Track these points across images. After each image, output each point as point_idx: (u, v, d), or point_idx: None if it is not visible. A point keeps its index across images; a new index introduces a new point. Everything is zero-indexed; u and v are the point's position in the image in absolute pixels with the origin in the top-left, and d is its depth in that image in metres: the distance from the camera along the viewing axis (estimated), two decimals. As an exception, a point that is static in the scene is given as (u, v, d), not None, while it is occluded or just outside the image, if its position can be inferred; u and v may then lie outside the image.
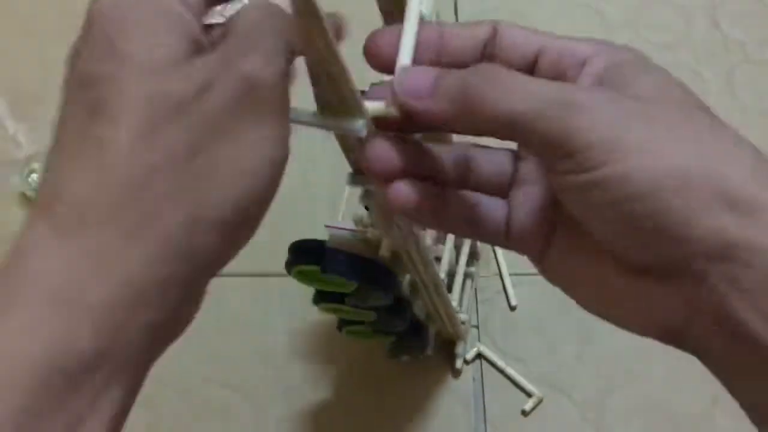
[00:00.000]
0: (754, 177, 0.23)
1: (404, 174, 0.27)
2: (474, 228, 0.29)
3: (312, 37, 0.23)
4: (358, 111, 0.26)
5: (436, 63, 0.28)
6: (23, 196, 0.64)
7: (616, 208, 0.24)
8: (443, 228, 0.29)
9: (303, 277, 0.43)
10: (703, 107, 0.26)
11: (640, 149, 0.23)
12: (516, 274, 0.59)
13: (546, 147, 0.24)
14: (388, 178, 0.27)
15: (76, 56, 0.23)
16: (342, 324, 0.49)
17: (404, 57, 0.27)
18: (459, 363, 0.55)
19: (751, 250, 0.22)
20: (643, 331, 0.27)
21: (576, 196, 0.25)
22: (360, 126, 0.26)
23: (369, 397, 0.56)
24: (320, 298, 0.45)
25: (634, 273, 0.25)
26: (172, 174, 0.21)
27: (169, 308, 0.22)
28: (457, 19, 0.70)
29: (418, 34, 0.28)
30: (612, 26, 0.70)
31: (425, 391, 0.56)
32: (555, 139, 0.24)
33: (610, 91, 0.25)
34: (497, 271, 0.60)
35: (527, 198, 0.29)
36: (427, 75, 0.26)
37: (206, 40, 0.24)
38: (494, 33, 0.28)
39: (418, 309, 0.47)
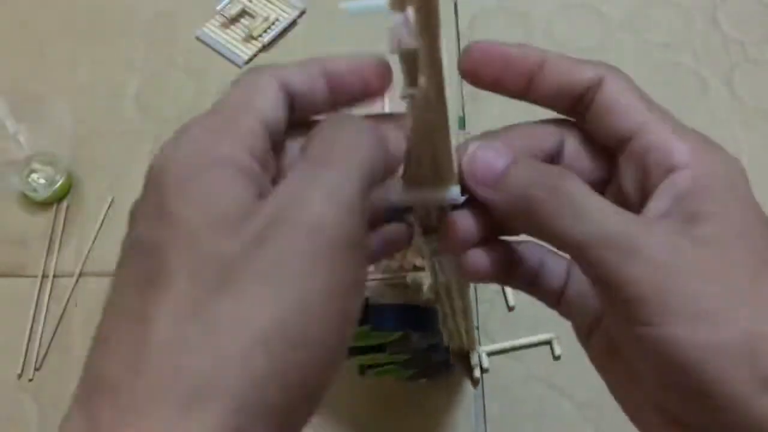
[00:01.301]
0: None
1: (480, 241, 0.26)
2: (532, 289, 0.29)
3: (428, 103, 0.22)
4: (453, 178, 0.25)
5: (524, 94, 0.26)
6: (23, 196, 0.64)
7: (663, 369, 0.22)
8: (505, 283, 0.28)
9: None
10: None
11: (694, 316, 0.21)
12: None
13: (603, 287, 0.23)
14: (466, 247, 0.26)
15: (133, 215, 0.22)
16: (366, 369, 0.47)
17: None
18: (477, 372, 0.55)
19: None
20: None
21: (625, 338, 0.23)
22: (456, 193, 0.25)
23: (369, 397, 0.56)
24: (359, 351, 0.42)
25: (670, 418, 0.23)
26: (216, 375, 0.19)
27: None
28: (456, 18, 0.70)
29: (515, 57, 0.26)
30: (612, 26, 0.70)
31: (425, 392, 0.56)
32: (612, 283, 0.22)
33: (677, 228, 0.23)
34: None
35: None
36: (497, 160, 0.25)
37: (269, 187, 0.22)
38: (594, 87, 0.25)
39: (445, 336, 0.47)
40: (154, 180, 0.21)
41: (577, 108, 0.26)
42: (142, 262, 0.20)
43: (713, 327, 0.21)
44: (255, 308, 0.19)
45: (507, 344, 0.57)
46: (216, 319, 0.19)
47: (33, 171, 0.64)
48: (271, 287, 0.19)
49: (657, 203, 0.24)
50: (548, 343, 0.56)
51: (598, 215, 0.23)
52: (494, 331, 0.58)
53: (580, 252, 0.23)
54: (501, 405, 0.55)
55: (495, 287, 0.59)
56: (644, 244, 0.22)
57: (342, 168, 0.21)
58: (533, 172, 0.24)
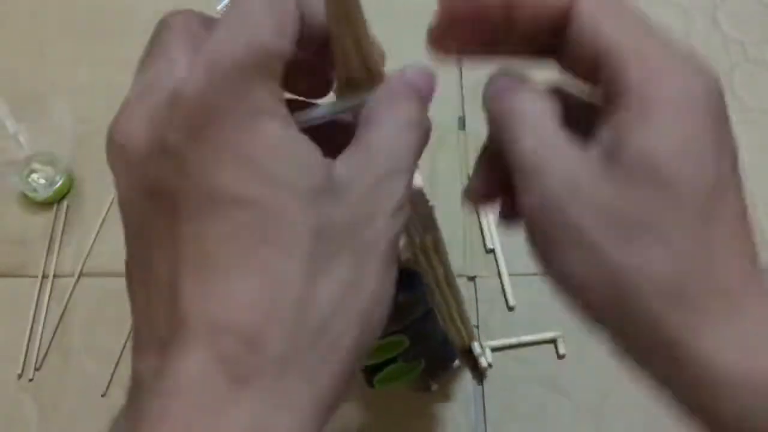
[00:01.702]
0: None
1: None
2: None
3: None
4: (381, 74, 0.25)
5: None
6: (23, 196, 0.64)
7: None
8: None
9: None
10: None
11: (579, 245, 0.23)
12: (515, 275, 0.59)
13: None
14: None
15: (178, 156, 0.20)
16: (371, 373, 0.45)
17: None
18: (484, 361, 0.55)
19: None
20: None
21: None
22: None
23: (370, 398, 0.56)
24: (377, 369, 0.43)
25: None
26: (345, 308, 0.21)
27: (329, 418, 0.21)
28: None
29: None
30: (612, 26, 0.70)
31: (425, 392, 0.56)
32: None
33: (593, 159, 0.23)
34: (497, 271, 0.60)
35: None
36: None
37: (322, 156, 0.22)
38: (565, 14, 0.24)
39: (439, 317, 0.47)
40: (219, 128, 0.20)
41: (555, 44, 0.24)
42: (244, 214, 0.20)
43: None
44: (363, 269, 0.21)
45: (513, 340, 0.57)
46: (343, 280, 0.21)
47: (33, 171, 0.64)
48: (377, 254, 0.22)
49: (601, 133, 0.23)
50: (553, 341, 0.57)
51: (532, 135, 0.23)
52: (494, 331, 0.58)
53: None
54: (501, 405, 0.55)
55: (495, 287, 0.59)
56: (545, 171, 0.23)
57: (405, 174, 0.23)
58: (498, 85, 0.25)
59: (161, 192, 0.20)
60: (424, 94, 0.24)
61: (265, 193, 0.20)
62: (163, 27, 0.23)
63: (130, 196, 0.21)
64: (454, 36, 0.24)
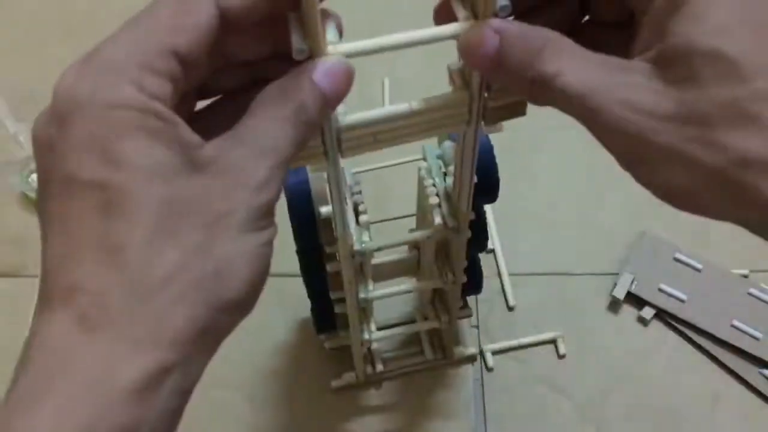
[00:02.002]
0: None
1: None
2: None
3: None
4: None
5: None
6: (23, 196, 0.64)
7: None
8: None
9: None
10: None
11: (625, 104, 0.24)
12: (515, 275, 0.59)
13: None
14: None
15: (50, 147, 0.24)
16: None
17: None
18: (491, 361, 0.56)
19: None
20: None
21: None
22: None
23: (371, 398, 0.56)
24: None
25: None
26: (186, 270, 0.24)
27: (192, 374, 0.24)
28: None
29: None
30: (612, 26, 0.70)
31: (426, 391, 0.56)
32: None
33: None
34: (497, 271, 0.60)
35: None
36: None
37: (196, 138, 0.25)
38: None
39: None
40: (77, 118, 0.23)
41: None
42: (100, 194, 0.23)
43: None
44: (212, 241, 0.24)
45: (514, 342, 0.57)
46: (184, 247, 0.24)
47: (33, 171, 0.64)
48: (223, 227, 0.25)
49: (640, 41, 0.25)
50: (553, 342, 0.57)
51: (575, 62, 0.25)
52: (494, 331, 0.58)
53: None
54: (501, 405, 0.55)
55: (495, 287, 0.59)
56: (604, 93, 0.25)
57: (279, 154, 0.26)
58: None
59: (43, 176, 0.25)
60: (328, 93, 0.26)
61: (111, 176, 0.23)
62: None
63: (38, 176, 0.25)
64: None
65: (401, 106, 0.30)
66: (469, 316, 0.54)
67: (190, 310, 0.24)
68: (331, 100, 0.26)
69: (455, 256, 0.44)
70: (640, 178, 0.25)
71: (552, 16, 0.29)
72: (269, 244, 0.26)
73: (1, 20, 0.75)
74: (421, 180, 0.43)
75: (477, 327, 0.58)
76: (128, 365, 0.22)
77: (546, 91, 0.25)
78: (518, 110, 0.31)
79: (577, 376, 0.55)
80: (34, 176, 0.64)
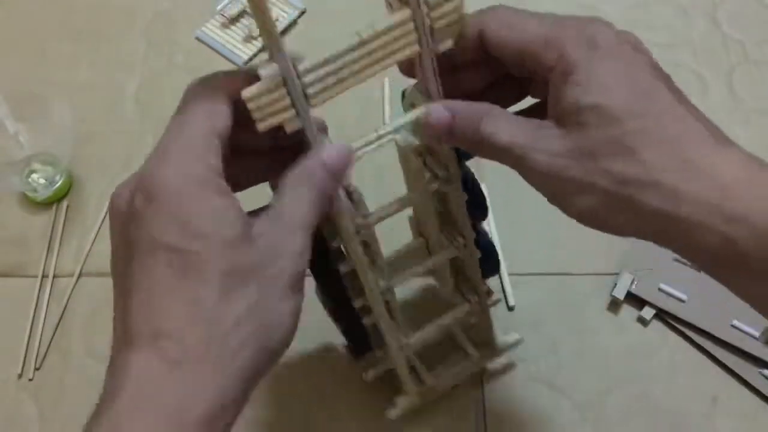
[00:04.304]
0: None
1: None
2: None
3: None
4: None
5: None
6: (23, 196, 0.64)
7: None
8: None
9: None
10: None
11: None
12: (515, 275, 0.59)
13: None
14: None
15: (134, 216, 0.30)
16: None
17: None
18: (502, 360, 0.55)
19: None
20: None
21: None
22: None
23: (371, 397, 0.56)
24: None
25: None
26: (248, 322, 0.29)
27: (238, 411, 0.30)
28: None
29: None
30: (612, 26, 0.70)
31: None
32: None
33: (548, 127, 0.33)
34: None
35: None
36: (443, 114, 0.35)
37: (247, 216, 0.31)
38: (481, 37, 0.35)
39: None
40: (164, 200, 0.29)
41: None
42: (180, 259, 0.29)
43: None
44: (266, 298, 0.31)
45: (514, 342, 0.56)
46: (248, 303, 0.30)
47: (33, 171, 0.64)
48: (275, 288, 0.31)
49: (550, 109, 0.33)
50: (553, 341, 0.56)
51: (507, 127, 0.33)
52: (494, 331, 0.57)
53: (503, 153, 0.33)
54: (501, 405, 0.55)
55: (495, 287, 0.59)
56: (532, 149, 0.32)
57: (304, 231, 0.32)
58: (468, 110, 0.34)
59: (127, 238, 0.30)
60: (335, 171, 0.33)
61: (188, 244, 0.29)
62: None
63: (114, 239, 0.31)
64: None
65: (352, 40, 0.33)
66: (498, 301, 0.52)
67: (251, 353, 0.29)
68: (339, 175, 0.34)
69: (457, 214, 0.44)
70: (563, 208, 0.32)
71: (501, 93, 0.37)
72: (301, 305, 0.32)
73: (1, 20, 0.75)
74: (398, 146, 0.42)
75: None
76: (201, 399, 0.28)
77: (485, 147, 0.33)
78: (460, 27, 0.35)
79: (577, 376, 0.55)
80: (34, 176, 0.64)
